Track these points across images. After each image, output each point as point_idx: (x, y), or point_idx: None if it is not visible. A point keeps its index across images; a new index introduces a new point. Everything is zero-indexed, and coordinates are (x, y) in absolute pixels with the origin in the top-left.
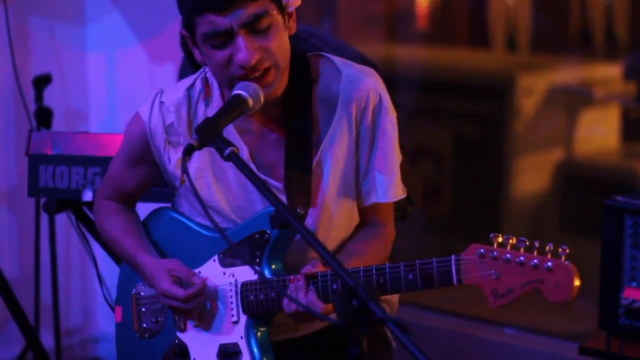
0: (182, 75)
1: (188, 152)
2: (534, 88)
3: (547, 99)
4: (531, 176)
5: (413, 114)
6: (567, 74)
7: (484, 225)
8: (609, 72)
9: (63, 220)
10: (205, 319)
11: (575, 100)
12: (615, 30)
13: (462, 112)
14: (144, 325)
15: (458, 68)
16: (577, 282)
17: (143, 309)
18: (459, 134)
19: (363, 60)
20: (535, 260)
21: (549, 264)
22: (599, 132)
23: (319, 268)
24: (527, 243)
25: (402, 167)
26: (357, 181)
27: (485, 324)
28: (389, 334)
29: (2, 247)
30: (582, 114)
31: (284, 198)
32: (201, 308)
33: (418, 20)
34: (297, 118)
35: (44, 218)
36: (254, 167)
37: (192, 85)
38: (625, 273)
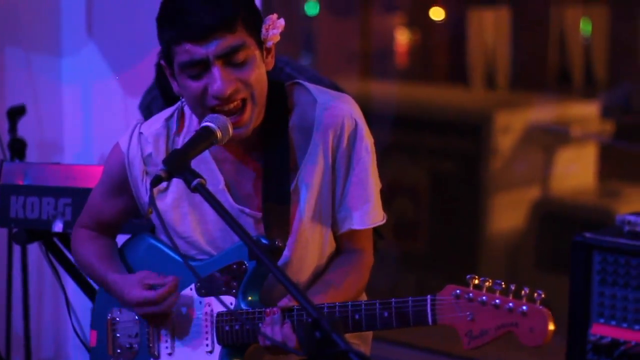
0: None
1: (155, 183)
2: (511, 126)
3: (525, 137)
4: (507, 213)
5: (390, 151)
6: (545, 112)
7: (460, 262)
8: (586, 111)
9: (35, 250)
10: (180, 347)
11: (552, 138)
12: (593, 68)
13: (440, 149)
14: (118, 350)
15: (436, 105)
16: (551, 327)
17: (118, 334)
18: (436, 171)
19: (337, 90)
20: (511, 304)
21: (524, 308)
22: (575, 171)
23: (296, 302)
24: (504, 286)
25: None
26: (333, 208)
27: None
28: None
29: None
30: (559, 152)
31: (262, 228)
32: (175, 326)
33: (397, 57)
34: (274, 148)
35: (17, 248)
36: (229, 197)
37: (171, 116)
38: (594, 309)
